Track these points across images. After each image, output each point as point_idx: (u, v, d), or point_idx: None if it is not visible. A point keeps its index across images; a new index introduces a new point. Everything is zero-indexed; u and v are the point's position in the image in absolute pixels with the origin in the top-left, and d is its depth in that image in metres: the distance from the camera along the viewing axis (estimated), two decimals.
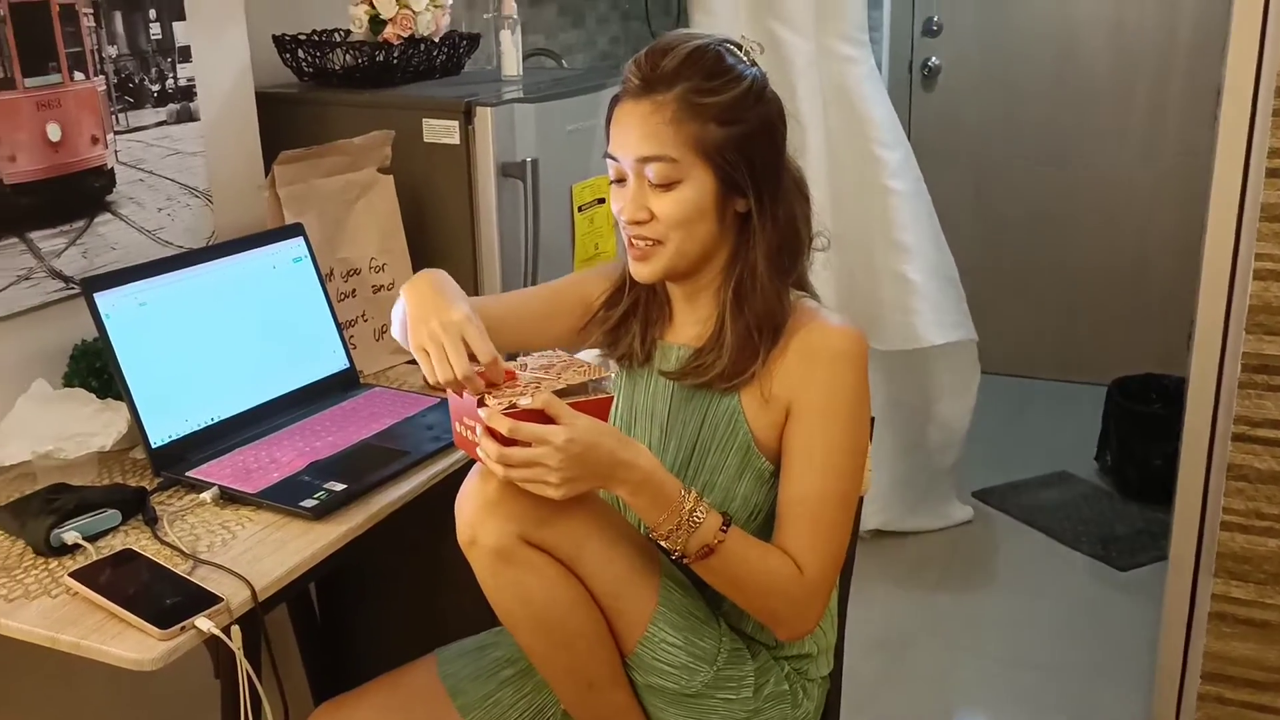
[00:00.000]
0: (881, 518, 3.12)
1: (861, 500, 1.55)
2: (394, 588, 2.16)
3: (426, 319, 1.27)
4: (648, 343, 1.46)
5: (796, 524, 1.32)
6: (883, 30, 4.04)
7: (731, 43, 1.36)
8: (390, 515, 1.54)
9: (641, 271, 1.38)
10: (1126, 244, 4.07)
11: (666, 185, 1.32)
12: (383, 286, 2.01)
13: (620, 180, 1.36)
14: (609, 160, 1.37)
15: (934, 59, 4.11)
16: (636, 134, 1.32)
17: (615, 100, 1.36)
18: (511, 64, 2.26)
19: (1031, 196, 4.13)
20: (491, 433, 1.20)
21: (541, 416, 1.20)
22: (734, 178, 1.32)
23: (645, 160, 1.31)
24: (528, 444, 1.19)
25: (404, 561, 2.06)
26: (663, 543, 1.26)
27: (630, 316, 1.48)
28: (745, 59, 1.35)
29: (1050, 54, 3.98)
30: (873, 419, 1.54)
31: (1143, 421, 3.36)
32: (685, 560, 1.27)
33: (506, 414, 1.19)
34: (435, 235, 2.07)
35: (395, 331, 1.41)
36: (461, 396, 1.26)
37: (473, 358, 1.25)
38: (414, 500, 1.57)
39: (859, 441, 1.36)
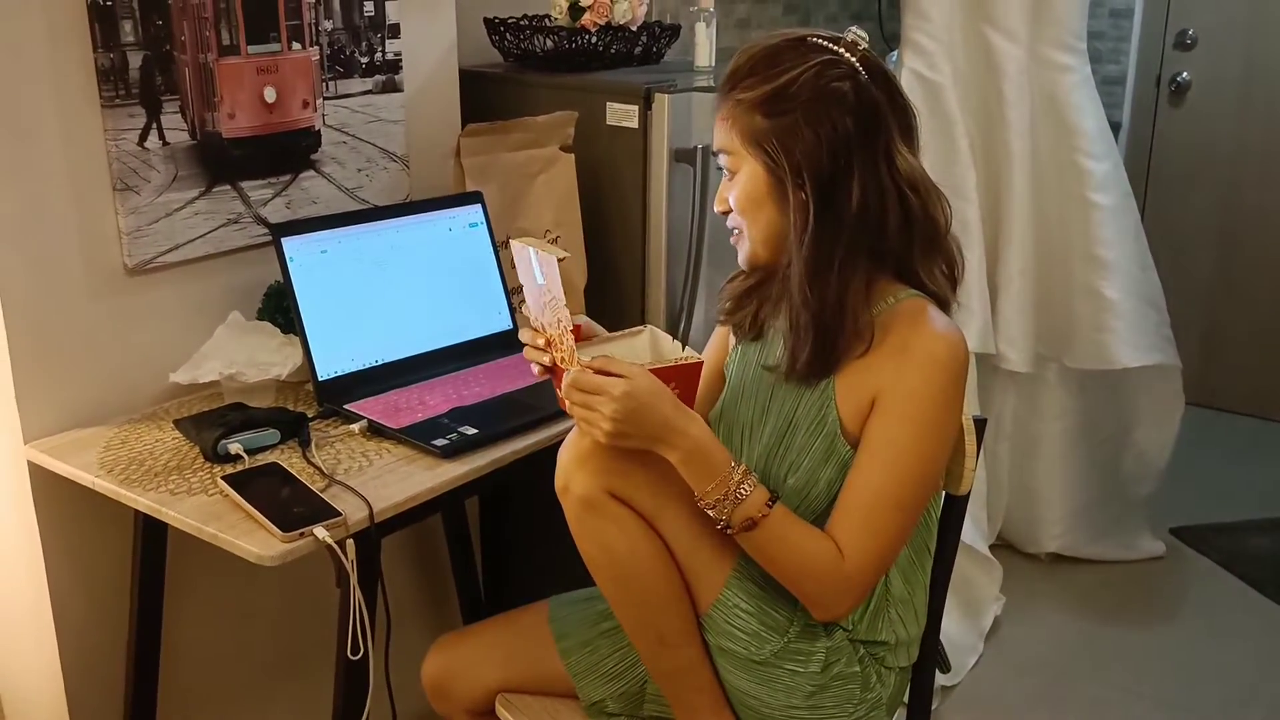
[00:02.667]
0: (1061, 541, 3.03)
1: (965, 500, 1.55)
2: (550, 531, 2.29)
3: None
4: (759, 321, 1.52)
5: (850, 514, 1.35)
6: (1131, 41, 3.88)
7: (823, 37, 1.36)
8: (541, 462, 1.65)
9: (739, 258, 1.46)
10: None
11: (731, 176, 1.41)
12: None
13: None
14: None
15: (1185, 74, 3.90)
16: (715, 131, 1.41)
17: None
18: (704, 55, 2.34)
19: None
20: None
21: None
22: (777, 167, 1.34)
23: (716, 154, 1.42)
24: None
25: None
26: (709, 512, 1.33)
27: (754, 291, 1.53)
28: (832, 52, 1.34)
29: None
30: (983, 421, 1.54)
31: None
32: (729, 531, 1.33)
33: (588, 364, 1.30)
34: (609, 213, 2.18)
35: None
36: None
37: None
38: None
39: (932, 448, 1.37)
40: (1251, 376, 4.00)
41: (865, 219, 1.34)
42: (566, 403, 1.34)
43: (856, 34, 1.36)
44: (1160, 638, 2.78)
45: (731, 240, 1.46)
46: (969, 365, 1.40)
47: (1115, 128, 3.31)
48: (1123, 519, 3.07)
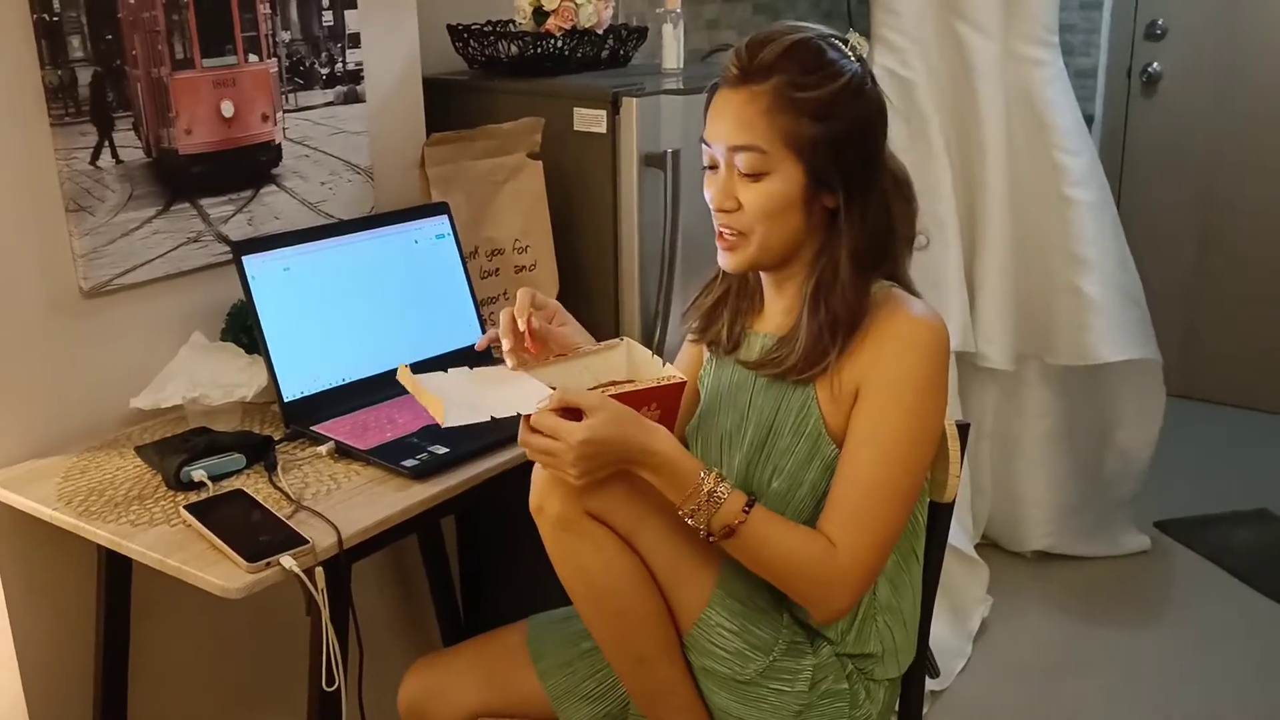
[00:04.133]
0: (1046, 540, 3.00)
1: (950, 508, 1.51)
2: (529, 549, 2.25)
3: None
4: (735, 331, 1.48)
5: (841, 507, 1.32)
6: (1100, 34, 3.87)
7: (837, 37, 1.36)
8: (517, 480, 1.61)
9: (727, 262, 1.40)
10: None
11: (755, 176, 1.33)
12: (524, 267, 2.10)
13: (714, 167, 1.38)
14: (704, 146, 1.39)
15: (1155, 64, 3.89)
16: (730, 122, 1.33)
17: (714, 87, 1.38)
18: (671, 57, 2.30)
19: (1260, 217, 3.85)
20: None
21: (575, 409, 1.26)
22: (823, 174, 1.32)
23: (736, 149, 1.33)
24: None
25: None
26: (688, 521, 1.29)
27: (721, 304, 1.51)
28: (850, 54, 1.35)
29: None
30: (966, 426, 1.51)
31: None
32: (711, 539, 1.30)
33: (547, 407, 1.26)
34: (579, 220, 2.14)
35: None
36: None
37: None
38: None
39: (921, 433, 1.33)
40: (1231, 367, 3.99)
41: (884, 223, 1.37)
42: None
43: (858, 38, 1.35)
44: (1148, 633, 2.76)
45: (722, 243, 1.39)
46: (950, 351, 1.38)
47: (1088, 120, 3.29)
48: (1107, 515, 3.05)
